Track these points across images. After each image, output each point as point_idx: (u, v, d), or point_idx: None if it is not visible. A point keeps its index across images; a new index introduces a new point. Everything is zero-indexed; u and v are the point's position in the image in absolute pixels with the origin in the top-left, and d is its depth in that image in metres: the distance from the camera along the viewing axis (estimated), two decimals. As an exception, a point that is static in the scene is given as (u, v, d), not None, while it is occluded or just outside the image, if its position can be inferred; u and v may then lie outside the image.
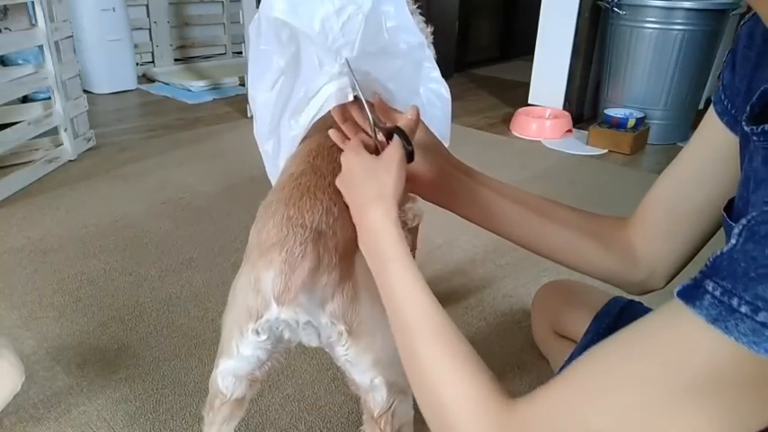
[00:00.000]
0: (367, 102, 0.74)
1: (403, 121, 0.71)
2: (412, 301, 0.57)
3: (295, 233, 0.67)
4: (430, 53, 0.91)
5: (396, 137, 0.67)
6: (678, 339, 0.39)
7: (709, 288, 0.37)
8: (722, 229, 0.61)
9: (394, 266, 0.59)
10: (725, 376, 0.37)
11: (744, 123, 0.49)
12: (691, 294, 0.39)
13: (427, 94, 0.91)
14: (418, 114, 0.72)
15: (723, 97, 0.61)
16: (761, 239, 0.36)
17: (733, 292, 0.36)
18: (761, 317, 0.34)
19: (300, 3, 0.76)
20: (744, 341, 0.35)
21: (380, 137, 0.72)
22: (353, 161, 0.66)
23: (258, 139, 0.94)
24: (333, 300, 0.67)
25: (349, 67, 0.75)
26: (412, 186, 0.79)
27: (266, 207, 0.75)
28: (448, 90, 0.94)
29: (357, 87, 0.74)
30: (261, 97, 0.87)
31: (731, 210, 0.57)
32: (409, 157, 0.66)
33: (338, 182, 0.69)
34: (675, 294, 0.40)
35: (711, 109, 0.64)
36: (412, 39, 0.84)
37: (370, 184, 0.63)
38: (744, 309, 0.35)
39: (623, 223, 0.78)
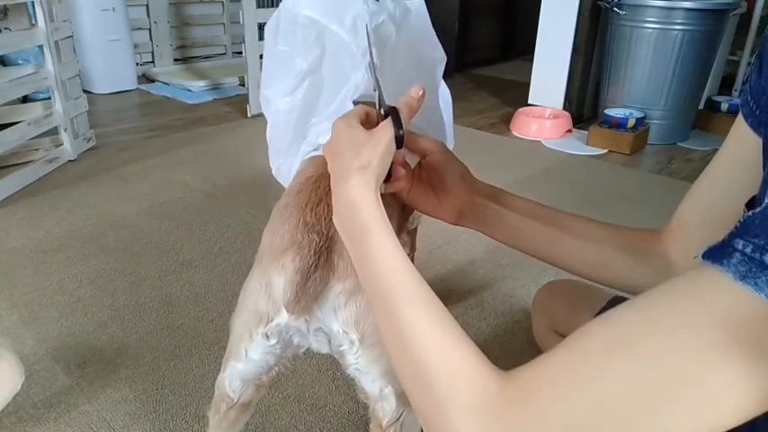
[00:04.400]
0: (376, 79, 0.71)
1: (404, 99, 0.67)
2: (398, 270, 0.55)
3: (310, 240, 0.66)
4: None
5: (389, 118, 0.63)
6: (702, 296, 0.37)
7: (739, 246, 0.36)
8: None
9: (376, 237, 0.56)
10: (756, 332, 0.35)
11: None
12: (718, 254, 0.37)
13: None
14: (423, 94, 0.68)
15: (749, 99, 0.60)
16: None
17: (766, 248, 0.34)
18: None
19: (332, 4, 0.75)
20: None
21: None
22: (343, 130, 0.63)
23: (271, 141, 0.92)
24: (346, 308, 0.66)
25: (368, 35, 0.73)
26: (437, 214, 0.78)
27: (281, 209, 0.73)
28: (447, 90, 0.94)
29: (372, 60, 0.71)
30: (279, 102, 0.85)
31: (753, 206, 0.56)
32: (398, 141, 0.62)
33: (324, 149, 0.66)
34: (701, 256, 0.38)
35: (740, 114, 0.63)
36: (431, 54, 0.82)
37: (355, 156, 0.60)
38: None
39: (658, 235, 0.76)
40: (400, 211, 0.81)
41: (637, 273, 0.75)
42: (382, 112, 0.66)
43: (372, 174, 0.59)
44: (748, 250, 0.35)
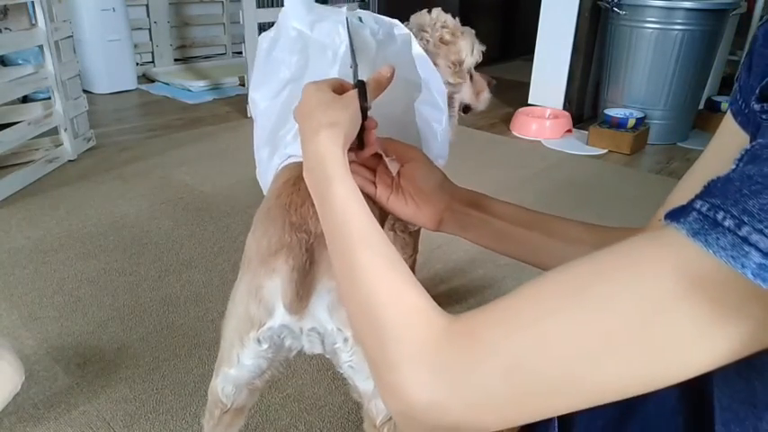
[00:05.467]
0: (354, 55, 0.73)
1: (374, 75, 0.69)
2: (356, 217, 0.57)
3: (300, 239, 0.66)
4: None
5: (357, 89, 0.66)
6: (659, 250, 0.38)
7: (697, 206, 0.36)
8: None
9: (339, 187, 0.59)
10: (706, 288, 0.36)
11: (753, 101, 0.49)
12: (678, 214, 0.38)
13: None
14: (392, 75, 0.70)
15: (738, 97, 0.61)
16: (764, 161, 0.35)
17: (720, 207, 0.35)
18: (743, 231, 0.33)
19: (319, 17, 0.77)
20: (722, 255, 0.34)
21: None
22: (313, 93, 0.66)
23: (256, 143, 0.93)
24: (340, 305, 0.67)
25: (348, 24, 0.75)
26: (417, 221, 0.79)
27: (264, 214, 0.73)
28: (445, 112, 0.93)
29: (351, 42, 0.73)
30: (263, 104, 0.86)
31: None
32: (363, 113, 0.65)
33: (294, 112, 0.68)
34: (663, 217, 0.39)
35: (728, 112, 0.64)
36: (411, 78, 0.83)
37: (325, 114, 0.63)
38: (728, 223, 0.34)
39: (643, 233, 0.76)
40: (382, 213, 0.82)
41: None
42: (354, 83, 0.69)
43: (340, 131, 0.62)
44: (704, 209, 0.36)
